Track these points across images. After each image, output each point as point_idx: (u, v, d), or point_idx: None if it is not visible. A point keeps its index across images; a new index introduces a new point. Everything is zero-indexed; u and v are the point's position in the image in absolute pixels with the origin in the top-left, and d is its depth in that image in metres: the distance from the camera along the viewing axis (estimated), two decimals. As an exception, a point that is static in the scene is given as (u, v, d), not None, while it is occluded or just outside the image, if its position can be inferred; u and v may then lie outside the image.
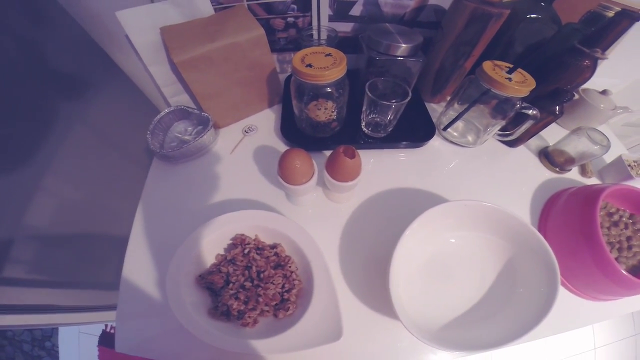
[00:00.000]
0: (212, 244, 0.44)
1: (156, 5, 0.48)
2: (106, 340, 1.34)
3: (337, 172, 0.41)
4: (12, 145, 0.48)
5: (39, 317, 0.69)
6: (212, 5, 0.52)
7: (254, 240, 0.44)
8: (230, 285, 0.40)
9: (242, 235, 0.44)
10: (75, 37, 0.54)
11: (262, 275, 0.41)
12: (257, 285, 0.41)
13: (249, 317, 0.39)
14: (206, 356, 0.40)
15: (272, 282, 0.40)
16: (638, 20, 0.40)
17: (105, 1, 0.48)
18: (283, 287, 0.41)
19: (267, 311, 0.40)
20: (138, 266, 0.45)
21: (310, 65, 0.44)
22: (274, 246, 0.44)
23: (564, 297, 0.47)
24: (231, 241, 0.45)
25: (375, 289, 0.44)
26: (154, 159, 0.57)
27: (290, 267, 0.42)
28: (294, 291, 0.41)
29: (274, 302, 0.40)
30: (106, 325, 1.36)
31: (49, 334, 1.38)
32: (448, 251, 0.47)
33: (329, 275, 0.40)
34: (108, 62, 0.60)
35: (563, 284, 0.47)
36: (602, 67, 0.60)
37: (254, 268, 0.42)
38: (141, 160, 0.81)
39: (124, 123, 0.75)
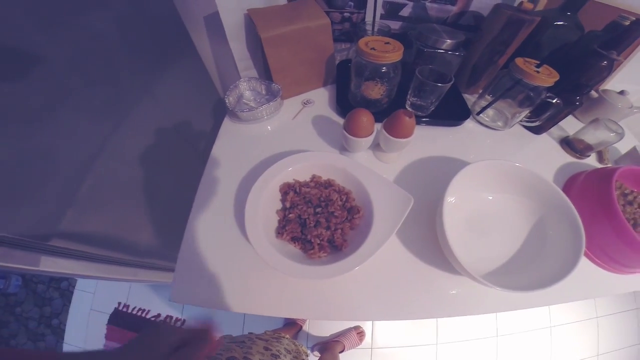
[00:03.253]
0: (287, 177, 0.51)
1: None
2: (117, 318, 1.35)
3: (396, 129, 0.50)
4: (85, 108, 0.53)
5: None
6: (286, -5, 0.63)
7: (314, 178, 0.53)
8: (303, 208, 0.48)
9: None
10: (167, 16, 0.63)
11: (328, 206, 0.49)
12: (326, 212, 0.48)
13: (317, 237, 0.45)
14: (258, 301, 0.44)
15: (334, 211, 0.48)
16: None
17: None
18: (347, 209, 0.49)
19: (327, 247, 0.46)
20: (202, 221, 0.51)
21: (373, 49, 0.54)
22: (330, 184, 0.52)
23: (588, 269, 0.52)
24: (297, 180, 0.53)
25: (419, 240, 0.50)
26: (224, 120, 0.66)
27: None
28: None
29: (343, 218, 0.48)
30: (119, 303, 1.37)
31: (59, 311, 1.37)
32: (485, 209, 0.54)
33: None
34: (188, 42, 0.69)
35: (586, 255, 0.52)
36: (623, 73, 0.71)
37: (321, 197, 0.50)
38: (199, 134, 0.89)
39: (187, 100, 0.84)
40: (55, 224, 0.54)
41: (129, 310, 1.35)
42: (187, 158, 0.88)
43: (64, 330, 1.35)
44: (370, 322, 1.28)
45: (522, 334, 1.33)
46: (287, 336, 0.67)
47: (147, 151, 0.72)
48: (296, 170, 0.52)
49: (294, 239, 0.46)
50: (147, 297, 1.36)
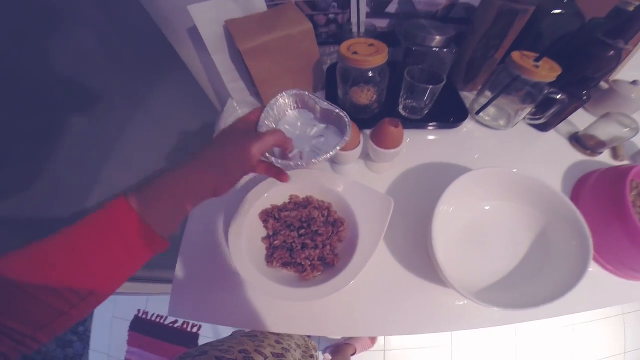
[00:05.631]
0: (264, 204, 0.50)
1: (219, 1, 0.56)
2: (137, 325, 1.42)
3: (382, 140, 0.47)
4: (77, 128, 0.53)
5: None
6: (265, 2, 0.60)
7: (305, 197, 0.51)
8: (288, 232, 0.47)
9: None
10: (147, 30, 0.62)
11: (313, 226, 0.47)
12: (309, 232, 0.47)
13: (306, 259, 0.45)
14: (248, 317, 0.44)
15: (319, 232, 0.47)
16: None
17: None
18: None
19: (319, 265, 0.45)
20: (194, 240, 0.51)
21: (355, 53, 0.51)
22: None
23: (599, 275, 0.48)
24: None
25: (415, 253, 0.48)
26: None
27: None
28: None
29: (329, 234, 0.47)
30: (138, 310, 1.44)
31: (84, 319, 1.48)
32: (482, 219, 0.50)
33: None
34: (172, 54, 0.68)
35: (597, 261, 0.49)
36: (635, 60, 0.64)
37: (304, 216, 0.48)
38: (198, 144, 0.88)
39: (180, 111, 0.84)
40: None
41: (148, 317, 1.42)
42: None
43: (89, 337, 1.42)
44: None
45: (542, 333, 1.28)
46: None
47: (144, 166, 0.73)
48: (273, 194, 0.50)
49: (284, 264, 0.46)
50: (165, 304, 1.40)
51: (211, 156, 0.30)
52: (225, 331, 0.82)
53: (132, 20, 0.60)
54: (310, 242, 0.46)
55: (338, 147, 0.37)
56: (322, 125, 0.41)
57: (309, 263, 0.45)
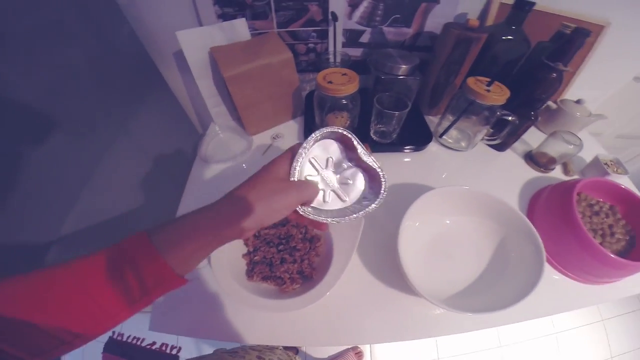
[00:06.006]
0: None
1: (206, 28, 0.60)
2: (112, 347, 1.36)
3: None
4: (60, 150, 0.52)
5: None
6: (250, 31, 0.65)
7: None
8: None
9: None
10: (136, 53, 0.65)
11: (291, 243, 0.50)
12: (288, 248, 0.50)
13: (285, 272, 0.47)
14: (230, 330, 0.46)
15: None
16: (588, 36, 0.50)
17: (165, 22, 0.60)
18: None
19: (298, 278, 0.48)
20: None
21: (330, 82, 0.56)
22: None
23: (563, 283, 0.52)
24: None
25: (392, 267, 0.50)
26: (195, 161, 0.67)
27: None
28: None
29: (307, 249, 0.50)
30: (113, 332, 1.39)
31: None
32: (446, 233, 0.55)
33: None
34: (158, 78, 0.71)
35: (559, 270, 0.53)
36: (583, 80, 0.72)
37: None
38: (179, 168, 0.90)
39: (162, 134, 0.85)
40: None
41: (124, 339, 1.36)
42: (166, 194, 0.90)
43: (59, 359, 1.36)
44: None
45: (526, 343, 1.30)
46: (281, 347, 0.67)
47: (126, 188, 0.73)
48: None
49: (264, 278, 0.48)
50: (141, 324, 1.36)
51: (244, 201, 0.28)
52: (207, 351, 0.82)
53: (121, 41, 0.62)
54: (289, 257, 0.49)
55: (375, 206, 0.32)
56: (354, 169, 0.34)
57: (288, 276, 0.47)
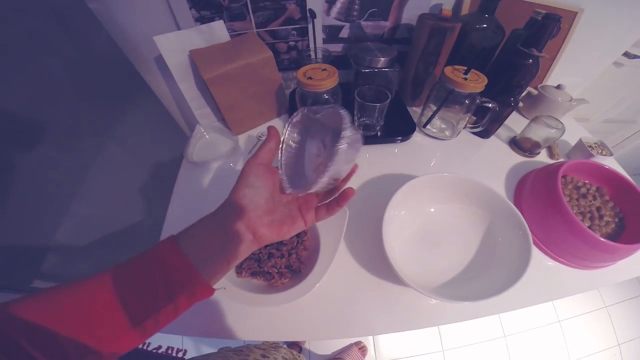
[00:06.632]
0: None
1: (184, 32, 0.61)
2: (121, 354, 1.38)
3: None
4: (46, 159, 0.53)
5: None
6: (228, 32, 0.66)
7: None
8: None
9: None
10: (115, 60, 0.65)
11: None
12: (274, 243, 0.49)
13: (273, 267, 0.47)
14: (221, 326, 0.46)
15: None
16: (558, 22, 0.50)
17: (142, 28, 0.61)
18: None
19: (287, 272, 0.48)
20: None
21: (310, 78, 0.57)
22: None
23: (556, 269, 0.52)
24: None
25: (381, 257, 0.49)
26: (182, 163, 0.68)
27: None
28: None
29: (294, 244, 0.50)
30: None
31: None
32: (432, 221, 0.55)
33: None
34: (141, 83, 0.72)
35: (551, 256, 0.52)
36: (563, 67, 0.72)
37: None
38: (168, 170, 0.90)
39: (150, 138, 0.86)
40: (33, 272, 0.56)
41: None
42: (156, 196, 0.90)
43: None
44: (371, 336, 1.27)
45: (531, 332, 1.30)
46: (285, 346, 0.67)
47: (117, 192, 0.74)
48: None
49: (253, 274, 0.48)
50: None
51: (235, 195, 0.30)
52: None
53: (99, 49, 0.62)
54: (277, 252, 0.49)
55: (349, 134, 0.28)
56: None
57: (276, 271, 0.48)
